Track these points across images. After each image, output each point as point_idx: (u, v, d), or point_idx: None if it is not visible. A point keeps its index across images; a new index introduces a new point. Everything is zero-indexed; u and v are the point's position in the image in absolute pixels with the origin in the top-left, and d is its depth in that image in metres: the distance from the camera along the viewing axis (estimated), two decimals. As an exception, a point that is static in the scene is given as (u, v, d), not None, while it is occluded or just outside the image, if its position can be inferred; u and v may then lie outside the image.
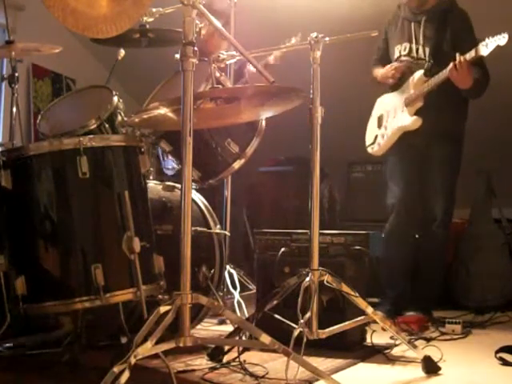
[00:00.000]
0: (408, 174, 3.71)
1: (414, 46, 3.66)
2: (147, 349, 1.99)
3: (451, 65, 3.34)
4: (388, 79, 3.75)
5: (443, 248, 3.75)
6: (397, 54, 3.74)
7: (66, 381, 2.24)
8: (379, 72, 3.81)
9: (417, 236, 3.87)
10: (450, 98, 3.56)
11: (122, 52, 3.35)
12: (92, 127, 2.68)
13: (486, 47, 3.21)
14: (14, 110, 3.45)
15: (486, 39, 3.21)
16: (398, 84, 3.73)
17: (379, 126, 3.83)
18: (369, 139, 3.89)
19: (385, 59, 3.85)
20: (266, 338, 2.09)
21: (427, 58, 3.60)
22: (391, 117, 3.74)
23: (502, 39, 3.15)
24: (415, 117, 3.59)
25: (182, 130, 2.08)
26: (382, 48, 3.86)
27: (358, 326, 2.74)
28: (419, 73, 3.59)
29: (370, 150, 3.89)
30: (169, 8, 3.02)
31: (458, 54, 3.33)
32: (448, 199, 3.68)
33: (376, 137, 3.84)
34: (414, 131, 3.62)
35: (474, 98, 3.62)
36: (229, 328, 3.09)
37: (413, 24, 3.68)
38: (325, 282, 2.47)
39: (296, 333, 2.32)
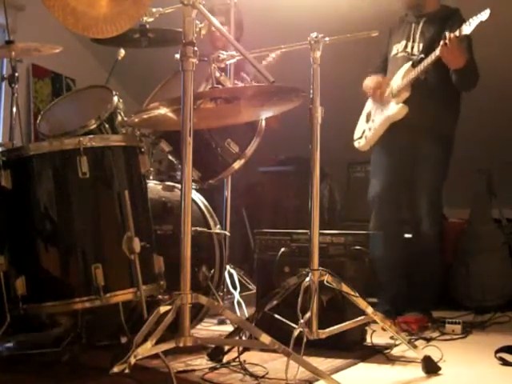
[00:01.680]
0: (391, 172, 3.71)
1: (409, 44, 3.70)
2: (147, 349, 1.99)
3: (441, 43, 3.34)
4: (368, 89, 3.81)
5: (434, 248, 3.71)
6: (394, 52, 3.78)
7: (66, 381, 2.24)
8: (365, 81, 3.86)
9: (406, 236, 3.86)
10: (442, 95, 3.57)
11: (122, 52, 3.35)
12: (92, 127, 2.68)
13: (469, 25, 3.21)
14: (14, 110, 3.45)
15: (470, 19, 3.21)
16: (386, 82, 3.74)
17: (367, 120, 3.85)
18: (357, 134, 3.91)
19: (380, 70, 3.87)
20: (265, 338, 2.09)
21: (418, 53, 3.62)
22: (379, 110, 3.75)
23: (483, 15, 3.14)
24: (401, 104, 3.59)
25: (181, 130, 2.08)
26: (381, 56, 3.88)
27: (358, 326, 2.74)
28: (407, 65, 3.62)
29: (356, 144, 3.91)
30: (169, 8, 3.01)
31: (447, 32, 3.33)
32: (434, 199, 3.66)
33: (363, 131, 3.85)
34: (402, 127, 3.60)
35: (464, 86, 3.60)
36: (229, 328, 3.09)
37: (413, 24, 3.73)
38: (325, 282, 2.47)
39: (296, 333, 2.33)
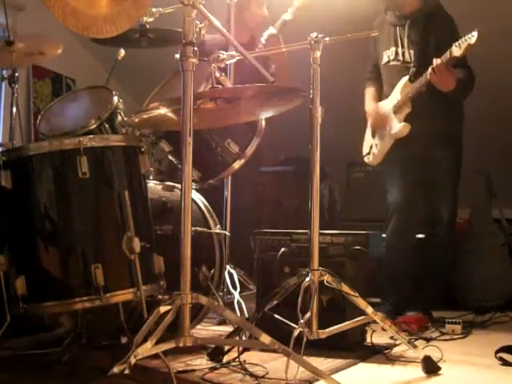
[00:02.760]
0: (408, 178, 3.70)
1: (399, 50, 3.65)
2: (147, 349, 1.99)
3: (430, 69, 3.34)
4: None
5: (447, 250, 3.75)
6: (385, 60, 3.74)
7: (66, 381, 2.23)
8: (366, 105, 3.86)
9: (418, 236, 3.86)
10: (444, 101, 3.55)
11: (122, 52, 3.35)
12: (92, 127, 2.68)
13: (459, 48, 3.20)
14: (14, 110, 3.45)
15: (459, 39, 3.20)
16: (388, 92, 3.74)
17: (373, 136, 3.84)
18: (365, 149, 3.90)
19: (376, 73, 3.87)
20: (266, 338, 2.09)
21: (412, 63, 3.60)
22: (383, 126, 3.74)
23: (471, 38, 3.13)
24: (403, 123, 3.58)
25: (181, 130, 2.08)
26: (372, 61, 3.89)
27: (358, 326, 2.74)
28: (404, 79, 3.59)
29: (366, 159, 3.91)
30: (169, 8, 3.01)
31: (435, 59, 3.33)
32: (452, 204, 3.68)
33: (371, 147, 3.85)
34: (410, 139, 3.60)
35: (460, 99, 3.61)
36: (229, 328, 3.09)
37: (398, 28, 3.67)
38: (325, 282, 2.47)
39: (296, 333, 2.32)
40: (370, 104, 3.84)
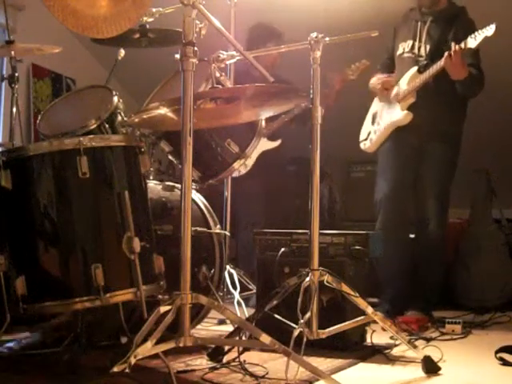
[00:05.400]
0: (399, 172, 3.71)
1: (416, 44, 3.70)
2: (147, 349, 1.99)
3: (446, 54, 3.37)
4: (376, 89, 3.83)
5: (440, 248, 3.73)
6: (400, 51, 3.77)
7: (66, 381, 2.23)
8: (372, 80, 3.88)
9: (412, 236, 3.86)
10: (448, 98, 3.57)
11: (122, 52, 3.35)
12: (92, 127, 2.67)
13: (474, 39, 3.24)
14: (14, 110, 3.45)
15: (476, 32, 3.23)
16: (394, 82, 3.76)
17: (373, 122, 3.86)
18: (362, 135, 3.92)
19: (387, 67, 3.89)
20: (265, 338, 2.09)
21: (425, 57, 3.63)
22: (384, 113, 3.76)
23: (489, 30, 3.17)
24: (406, 111, 3.61)
25: (181, 130, 2.08)
26: (387, 54, 3.91)
27: (358, 326, 2.74)
28: (413, 69, 3.62)
29: (362, 145, 3.92)
30: (169, 8, 3.02)
31: (453, 44, 3.36)
32: (442, 200, 3.67)
33: (369, 133, 3.86)
34: (409, 129, 3.62)
35: (468, 95, 3.63)
36: (229, 328, 3.09)
37: (419, 23, 3.73)
38: (325, 282, 2.47)
39: (296, 333, 2.32)
40: (374, 78, 3.86)
